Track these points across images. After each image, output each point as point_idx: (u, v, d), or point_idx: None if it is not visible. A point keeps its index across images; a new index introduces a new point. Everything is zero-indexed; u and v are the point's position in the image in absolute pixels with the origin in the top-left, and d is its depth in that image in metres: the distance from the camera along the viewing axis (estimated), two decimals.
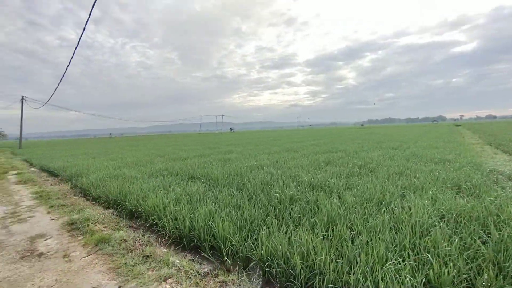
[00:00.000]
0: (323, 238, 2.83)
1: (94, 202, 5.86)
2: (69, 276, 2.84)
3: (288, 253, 2.60)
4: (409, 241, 2.70)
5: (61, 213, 5.05)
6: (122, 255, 3.19)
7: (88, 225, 4.17)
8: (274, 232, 3.04)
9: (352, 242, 2.73)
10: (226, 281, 2.56)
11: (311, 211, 3.75)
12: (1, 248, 3.65)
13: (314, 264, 2.41)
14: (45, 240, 3.88)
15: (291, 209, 3.89)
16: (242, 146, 16.81)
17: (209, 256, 3.12)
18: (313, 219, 3.37)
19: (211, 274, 2.72)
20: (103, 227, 4.14)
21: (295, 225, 3.34)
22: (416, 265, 2.35)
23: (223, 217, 3.55)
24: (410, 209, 3.48)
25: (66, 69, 16.69)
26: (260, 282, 2.58)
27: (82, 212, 4.90)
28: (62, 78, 17.71)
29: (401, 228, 2.97)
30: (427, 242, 2.65)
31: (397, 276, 2.17)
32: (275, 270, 2.55)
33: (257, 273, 2.68)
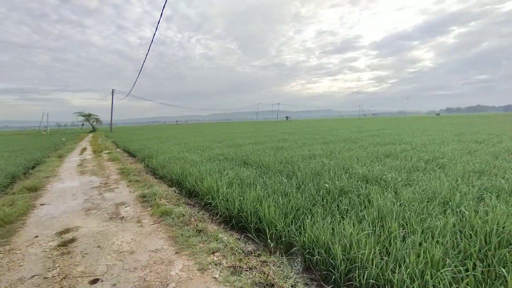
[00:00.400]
0: (370, 233, 2.67)
1: (160, 180, 6.79)
2: (141, 238, 3.43)
3: (330, 243, 2.57)
4: (479, 250, 2.32)
5: (136, 187, 6.02)
6: (180, 227, 3.67)
7: (155, 199, 4.88)
8: (318, 221, 3.01)
9: (403, 241, 2.50)
10: (267, 261, 2.69)
11: (360, 204, 3.55)
12: (98, 209, 4.64)
13: (356, 257, 2.32)
14: (125, 207, 4.73)
15: (340, 201, 3.76)
16: (297, 135, 16.63)
17: (254, 237, 3.32)
18: (361, 213, 3.19)
19: (254, 253, 2.90)
20: (167, 202, 4.78)
21: (342, 217, 3.23)
22: (483, 278, 2.02)
23: (270, 202, 3.68)
24: (487, 214, 2.95)
25: (143, 64, 19.17)
26: (300, 268, 2.63)
27: (151, 188, 5.74)
28: (140, 72, 20.44)
29: (470, 234, 2.56)
30: (506, 255, 2.23)
31: (455, 285, 1.92)
32: (315, 258, 2.55)
33: (298, 258, 2.73)
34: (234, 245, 3.08)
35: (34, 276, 2.64)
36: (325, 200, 3.79)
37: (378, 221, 2.92)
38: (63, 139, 25.28)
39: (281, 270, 2.53)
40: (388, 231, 2.65)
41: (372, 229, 2.75)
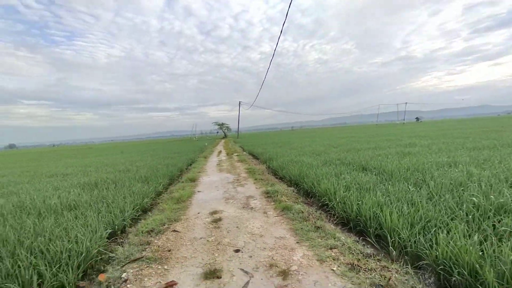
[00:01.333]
0: None
1: (280, 180, 7.54)
2: (267, 226, 4.07)
3: (477, 266, 2.15)
4: None
5: (260, 185, 7.01)
6: (299, 221, 4.04)
7: (277, 195, 5.55)
8: (458, 237, 2.56)
9: None
10: (388, 267, 2.57)
11: None
12: (234, 199, 5.82)
13: None
14: (253, 200, 5.66)
15: (497, 220, 2.97)
16: (431, 139, 13.74)
17: (374, 242, 3.20)
18: None
19: (374, 257, 2.82)
20: (287, 199, 5.33)
21: (499, 240, 2.58)
22: None
23: (392, 209, 3.43)
24: None
25: (265, 77, 21.69)
26: (433, 286, 2.34)
27: (273, 186, 6.52)
28: (262, 85, 23.22)
29: None
30: None
31: None
32: (454, 278, 2.21)
33: (429, 274, 2.44)
34: (352, 245, 3.11)
35: (201, 238, 3.76)
36: (470, 216, 3.10)
37: None
38: (206, 144, 32.34)
39: (406, 279, 2.36)
40: None
41: None
